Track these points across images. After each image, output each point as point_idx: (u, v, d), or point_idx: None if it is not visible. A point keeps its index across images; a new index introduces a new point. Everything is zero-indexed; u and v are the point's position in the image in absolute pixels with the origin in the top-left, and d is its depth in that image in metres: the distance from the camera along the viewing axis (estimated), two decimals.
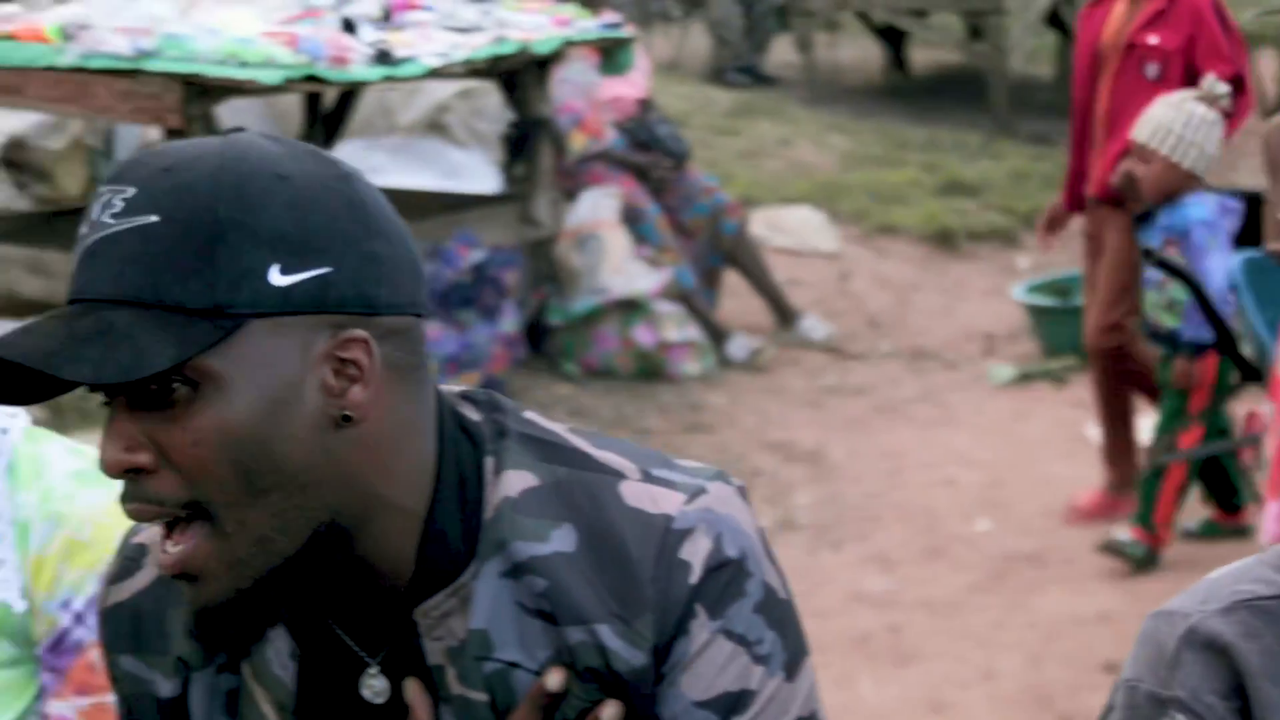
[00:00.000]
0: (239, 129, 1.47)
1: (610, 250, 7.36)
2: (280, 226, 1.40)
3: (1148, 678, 1.37)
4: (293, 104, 8.44)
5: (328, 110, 8.02)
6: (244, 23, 6.35)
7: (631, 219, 7.57)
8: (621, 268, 7.33)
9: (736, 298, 8.12)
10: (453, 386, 1.56)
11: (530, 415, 1.55)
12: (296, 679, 1.55)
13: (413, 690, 1.51)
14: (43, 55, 6.16)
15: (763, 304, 8.12)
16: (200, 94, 6.13)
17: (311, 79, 6.19)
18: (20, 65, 6.23)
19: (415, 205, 7.70)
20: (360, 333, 1.42)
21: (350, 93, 7.99)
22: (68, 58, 6.11)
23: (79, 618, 1.91)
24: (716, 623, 1.47)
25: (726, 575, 1.47)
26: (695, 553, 1.47)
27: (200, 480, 1.41)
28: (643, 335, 7.36)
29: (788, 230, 9.02)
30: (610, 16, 7.93)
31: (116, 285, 1.39)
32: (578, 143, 7.36)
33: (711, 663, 1.47)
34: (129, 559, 1.62)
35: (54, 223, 7.12)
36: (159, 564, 1.45)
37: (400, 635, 1.52)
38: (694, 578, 1.46)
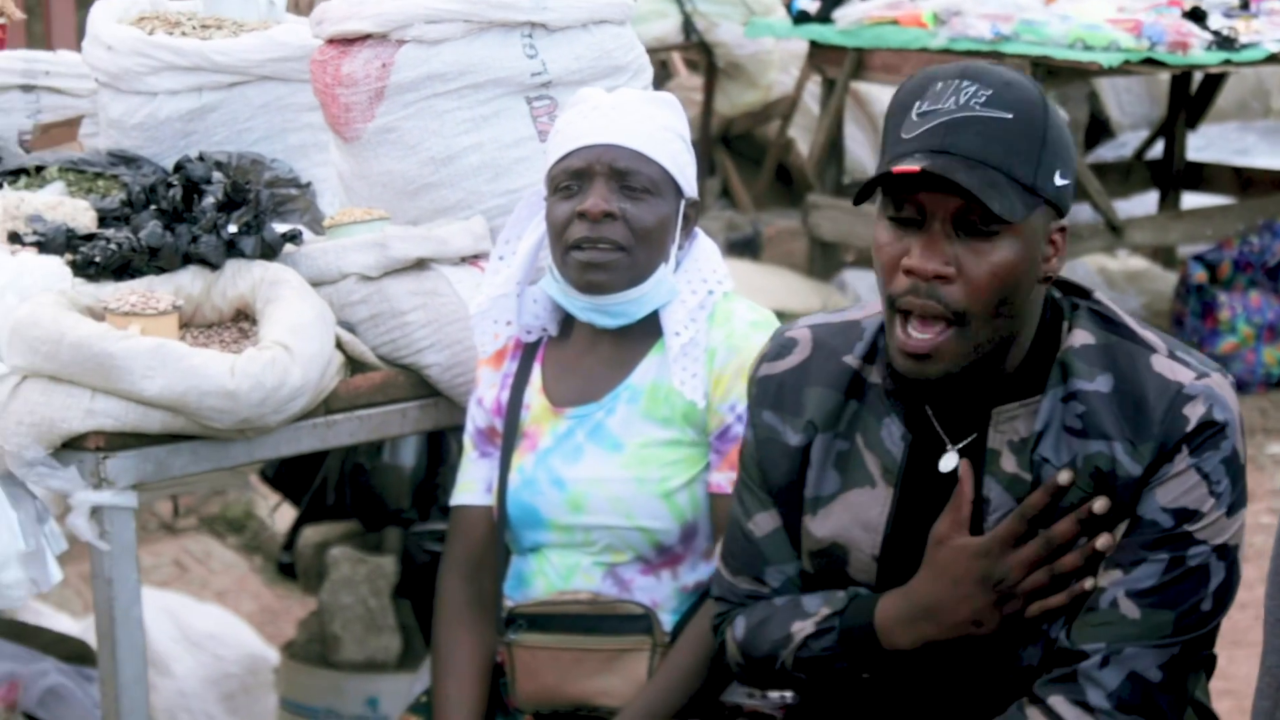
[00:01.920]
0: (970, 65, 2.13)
1: None
2: (1062, 144, 2.14)
3: None
4: (1165, 85, 8.99)
5: (1193, 93, 8.53)
6: (1094, 9, 7.00)
7: None
8: None
9: None
10: None
11: (1100, 296, 2.25)
12: (905, 454, 2.26)
13: (963, 464, 2.21)
14: (917, 38, 7.06)
15: None
16: (1048, 74, 6.86)
17: (1149, 62, 6.75)
18: (899, 47, 7.18)
19: (1258, 181, 8.13)
20: (1064, 223, 2.17)
21: (1217, 76, 8.45)
22: (938, 40, 6.99)
23: (739, 418, 2.69)
24: (1193, 459, 2.14)
25: (1210, 432, 2.14)
26: (1193, 412, 2.14)
27: (979, 296, 2.11)
28: None
29: None
30: None
31: (982, 152, 2.07)
32: None
33: (1181, 484, 2.14)
34: (782, 346, 2.38)
35: None
36: (903, 347, 2.12)
37: (977, 428, 2.22)
38: (1189, 427, 2.14)
